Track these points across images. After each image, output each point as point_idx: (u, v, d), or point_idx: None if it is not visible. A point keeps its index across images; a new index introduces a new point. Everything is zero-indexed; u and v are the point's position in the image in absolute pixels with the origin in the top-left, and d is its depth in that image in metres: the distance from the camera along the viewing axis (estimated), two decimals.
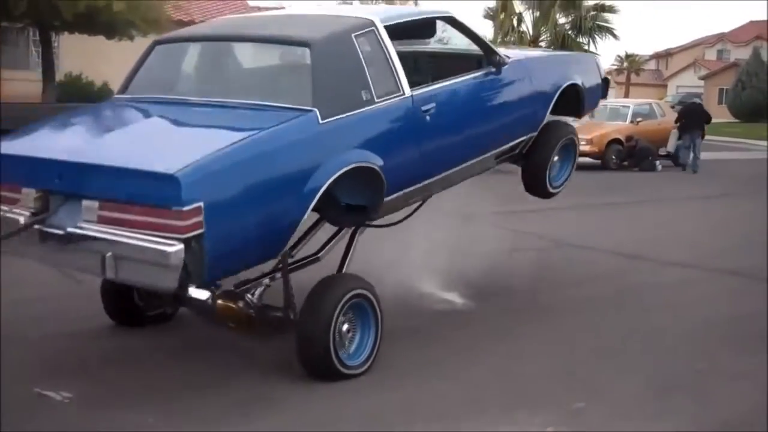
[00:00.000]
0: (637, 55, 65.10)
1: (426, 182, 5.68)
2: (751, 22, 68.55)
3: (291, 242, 4.96)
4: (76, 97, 20.98)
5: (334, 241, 5.60)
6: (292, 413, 4.40)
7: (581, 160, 21.02)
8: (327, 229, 5.65)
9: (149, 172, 4.14)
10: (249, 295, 4.86)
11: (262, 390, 4.67)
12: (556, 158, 6.97)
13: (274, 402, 4.53)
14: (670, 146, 21.18)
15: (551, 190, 7.10)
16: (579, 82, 7.09)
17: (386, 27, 5.38)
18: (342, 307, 4.79)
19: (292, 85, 5.13)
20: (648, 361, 5.50)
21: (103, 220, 4.26)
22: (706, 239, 10.50)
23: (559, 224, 11.10)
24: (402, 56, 5.49)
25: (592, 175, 19.23)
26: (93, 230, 4.27)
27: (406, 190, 5.49)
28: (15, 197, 4.65)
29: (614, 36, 26.08)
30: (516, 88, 6.52)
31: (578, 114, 7.53)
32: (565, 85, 6.93)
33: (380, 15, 5.55)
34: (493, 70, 6.26)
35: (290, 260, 4.91)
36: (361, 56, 5.12)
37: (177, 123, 5.03)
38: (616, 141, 20.53)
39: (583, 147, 20.09)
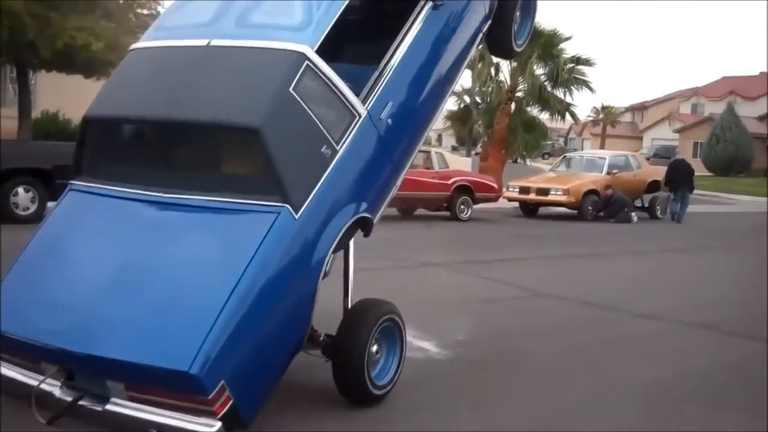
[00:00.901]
0: (612, 108, 66.02)
1: (405, 171, 5.72)
2: (724, 78, 69.91)
3: None
4: (53, 135, 20.95)
5: (334, 254, 5.23)
6: None
7: (557, 210, 21.32)
8: None
9: (165, 369, 4.07)
10: None
11: None
12: (518, 14, 6.89)
13: None
14: (669, 209, 21.83)
15: (516, 48, 7.11)
16: None
17: (318, 50, 4.87)
18: (376, 330, 5.07)
19: (254, 175, 4.83)
20: (621, 413, 5.46)
21: (133, 399, 4.27)
22: (679, 292, 10.54)
23: (533, 274, 11.11)
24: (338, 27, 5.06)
25: (568, 225, 19.36)
26: (128, 408, 4.27)
27: (391, 192, 5.61)
28: (34, 366, 4.56)
29: (590, 89, 26.34)
30: (455, 9, 6.02)
31: None
32: None
33: (307, 36, 4.89)
34: (433, 21, 5.69)
35: None
36: (308, 111, 4.74)
37: (153, 257, 4.63)
38: (593, 192, 20.70)
39: (560, 197, 20.42)
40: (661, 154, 56.96)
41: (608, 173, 21.76)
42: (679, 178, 21.19)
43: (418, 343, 6.84)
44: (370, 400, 5.14)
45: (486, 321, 7.97)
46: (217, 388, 4.03)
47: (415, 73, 5.62)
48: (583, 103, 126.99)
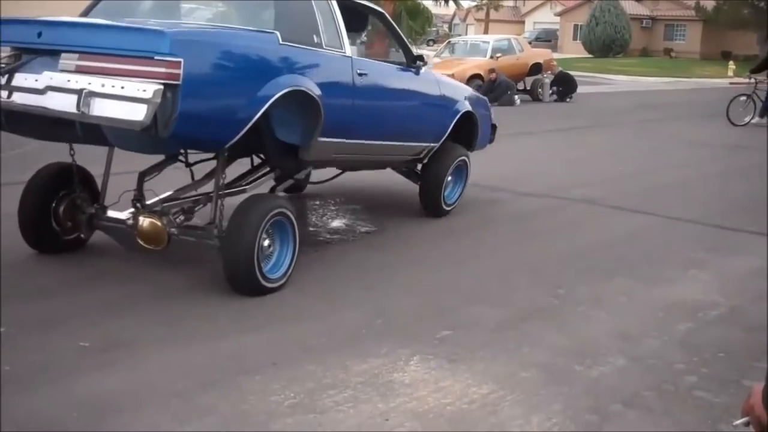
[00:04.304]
0: None
1: (351, 142, 6.16)
2: None
3: (230, 177, 5.86)
4: None
5: (262, 179, 6.04)
6: (164, 353, 4.28)
7: None
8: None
9: (139, 28, 4.78)
10: (173, 216, 5.42)
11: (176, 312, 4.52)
12: (449, 178, 7.64)
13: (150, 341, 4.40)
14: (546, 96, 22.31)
15: (445, 208, 7.71)
16: (475, 113, 7.96)
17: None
18: (266, 224, 5.14)
19: (257, 17, 5.66)
20: (509, 289, 5.65)
21: (81, 70, 4.58)
22: (564, 170, 10.85)
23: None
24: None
25: None
26: (71, 75, 4.57)
27: (335, 140, 5.90)
28: None
29: None
30: (429, 90, 7.36)
31: (469, 147, 8.08)
32: (465, 110, 7.74)
33: None
34: (413, 69, 7.11)
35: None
36: (315, 9, 5.82)
37: (156, 19, 5.61)
38: (477, 76, 20.81)
39: None
40: (542, 38, 57.63)
41: (492, 57, 21.89)
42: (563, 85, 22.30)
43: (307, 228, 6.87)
44: (263, 293, 5.18)
45: (375, 207, 8.04)
46: (176, 59, 4.41)
47: (390, 81, 6.88)
48: None
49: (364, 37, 21.82)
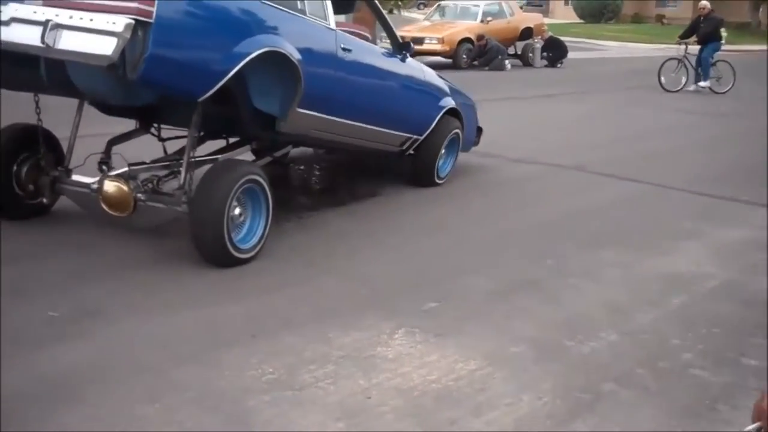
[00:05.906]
0: None
1: (331, 118, 5.88)
2: None
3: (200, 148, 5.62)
4: None
5: (237, 151, 5.83)
6: (139, 320, 4.09)
7: (432, 59, 21.28)
8: None
9: None
10: (141, 182, 5.15)
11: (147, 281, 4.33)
12: (443, 151, 7.45)
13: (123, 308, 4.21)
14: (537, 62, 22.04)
15: (438, 181, 7.52)
16: (461, 112, 7.74)
17: None
18: (236, 191, 4.88)
19: None
20: (499, 259, 5.49)
21: (49, 3, 4.31)
22: (555, 136, 10.68)
23: None
24: None
25: (444, 74, 19.21)
26: (38, 7, 4.33)
27: (314, 113, 5.62)
28: None
29: None
30: (415, 78, 7.17)
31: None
32: (451, 106, 7.55)
33: None
34: (399, 56, 6.95)
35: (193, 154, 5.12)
36: None
37: None
38: (467, 40, 20.53)
39: (434, 46, 20.18)
40: (533, 2, 57.08)
41: (482, 21, 21.60)
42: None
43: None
44: (234, 264, 4.95)
45: (358, 174, 7.87)
46: None
47: (376, 61, 6.63)
48: None
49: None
